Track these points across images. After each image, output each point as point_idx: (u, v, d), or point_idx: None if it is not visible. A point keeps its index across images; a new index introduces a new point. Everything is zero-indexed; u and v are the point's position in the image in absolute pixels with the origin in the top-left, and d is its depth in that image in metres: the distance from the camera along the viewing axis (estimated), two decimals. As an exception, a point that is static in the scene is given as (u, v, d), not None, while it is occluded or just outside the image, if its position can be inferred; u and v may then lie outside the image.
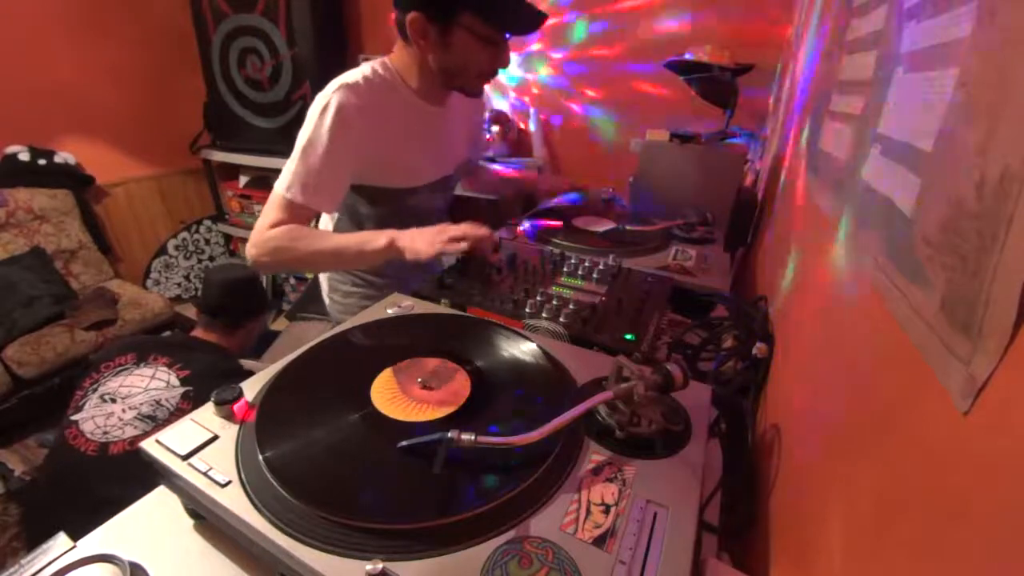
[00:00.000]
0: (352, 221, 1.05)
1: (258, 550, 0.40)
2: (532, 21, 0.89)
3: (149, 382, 1.04)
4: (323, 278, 1.22)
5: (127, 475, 0.89)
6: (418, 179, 1.04)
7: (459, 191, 1.31)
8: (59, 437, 0.99)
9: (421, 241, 0.84)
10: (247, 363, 1.43)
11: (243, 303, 1.34)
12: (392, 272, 1.12)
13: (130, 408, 0.99)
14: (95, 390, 1.03)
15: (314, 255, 0.88)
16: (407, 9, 0.86)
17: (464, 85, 0.96)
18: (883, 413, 0.34)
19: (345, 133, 0.87)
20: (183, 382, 1.05)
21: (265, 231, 0.87)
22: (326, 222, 1.10)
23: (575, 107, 2.28)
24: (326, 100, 0.87)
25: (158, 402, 1.01)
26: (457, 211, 1.26)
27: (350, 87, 0.88)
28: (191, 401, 1.02)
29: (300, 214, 0.89)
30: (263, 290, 1.43)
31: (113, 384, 1.03)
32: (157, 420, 0.98)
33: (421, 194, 1.05)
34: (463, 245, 0.83)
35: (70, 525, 0.45)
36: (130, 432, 0.96)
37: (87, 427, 0.97)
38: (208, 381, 1.07)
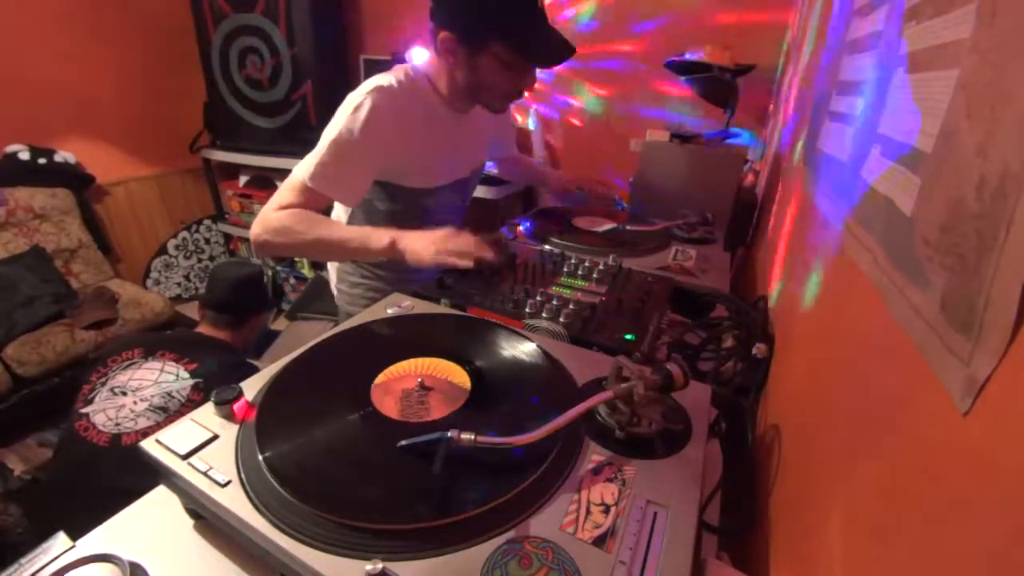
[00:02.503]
0: (367, 215, 1.06)
1: (258, 550, 0.40)
2: (559, 54, 0.92)
3: (159, 375, 1.04)
4: (331, 269, 1.23)
5: (140, 465, 0.89)
6: (436, 181, 1.06)
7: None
8: (68, 430, 1.00)
9: (423, 247, 0.84)
10: (246, 362, 1.43)
11: (249, 299, 1.36)
12: (399, 267, 1.13)
13: (141, 400, 1.00)
14: (104, 383, 1.03)
15: (317, 242, 0.89)
16: (440, 27, 0.90)
17: (488, 103, 0.99)
18: (883, 413, 0.34)
19: (376, 132, 0.89)
20: (192, 375, 1.06)
21: (273, 212, 0.89)
22: (339, 214, 1.11)
23: (575, 104, 2.28)
24: (360, 99, 0.88)
25: (169, 394, 1.01)
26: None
27: (384, 89, 0.90)
28: (202, 392, 1.03)
29: (314, 202, 0.91)
30: (267, 288, 1.45)
31: (122, 378, 1.04)
32: (169, 411, 0.99)
33: (437, 195, 1.07)
34: (466, 263, 0.82)
35: (80, 517, 0.45)
36: (143, 423, 0.97)
37: (99, 419, 0.98)
38: (217, 374, 1.08)
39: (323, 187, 0.89)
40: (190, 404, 1.01)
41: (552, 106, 2.33)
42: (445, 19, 0.89)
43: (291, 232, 0.88)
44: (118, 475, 0.90)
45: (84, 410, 1.00)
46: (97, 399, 1.01)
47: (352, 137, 0.88)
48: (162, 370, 1.05)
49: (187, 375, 1.05)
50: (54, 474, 1.07)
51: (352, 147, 0.88)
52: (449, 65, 0.94)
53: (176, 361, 1.08)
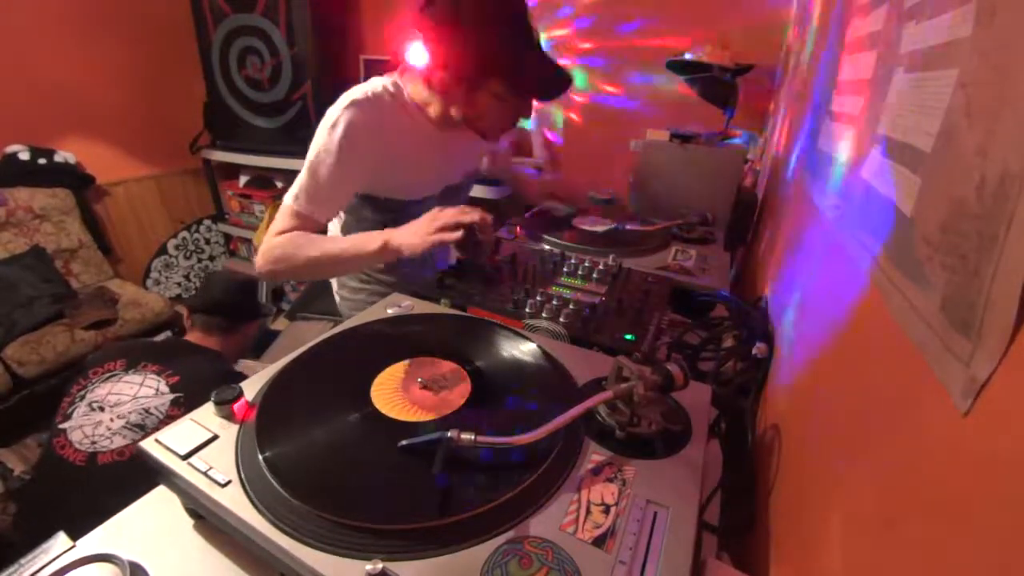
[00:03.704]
0: (358, 223, 1.06)
1: (258, 550, 0.40)
2: (556, 88, 0.91)
3: (138, 390, 1.02)
4: None
5: (115, 485, 0.88)
6: (424, 192, 1.05)
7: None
8: (47, 446, 0.97)
9: (415, 236, 0.85)
10: (246, 363, 1.42)
11: (243, 302, 1.33)
12: (400, 268, 1.13)
13: (118, 417, 0.98)
14: (83, 397, 1.01)
15: (314, 261, 0.89)
16: (435, 65, 0.88)
17: (484, 133, 0.98)
18: (883, 413, 0.34)
19: (352, 150, 0.88)
20: (172, 389, 1.03)
21: (272, 239, 0.89)
22: (334, 228, 1.11)
23: (575, 105, 2.28)
24: (336, 116, 0.88)
25: (147, 410, 0.99)
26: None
27: (360, 103, 0.89)
28: (181, 407, 1.00)
29: (307, 224, 0.91)
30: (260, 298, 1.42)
31: (101, 391, 1.01)
32: (146, 428, 0.97)
33: (428, 204, 1.06)
34: (458, 234, 0.82)
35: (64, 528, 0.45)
36: (119, 442, 0.95)
37: (75, 436, 0.95)
38: (200, 387, 1.04)
39: (306, 208, 0.89)
40: (168, 420, 0.97)
41: (552, 107, 2.33)
42: (441, 57, 0.87)
43: (289, 257, 0.88)
44: (94, 495, 0.89)
45: (62, 425, 0.98)
46: (75, 414, 0.99)
47: (329, 157, 0.87)
48: (142, 384, 1.03)
49: (167, 389, 1.03)
50: (35, 488, 1.05)
51: (330, 167, 0.87)
52: (444, 99, 0.93)
53: (158, 374, 1.05)
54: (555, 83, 0.91)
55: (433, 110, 0.96)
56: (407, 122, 0.96)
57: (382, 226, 1.03)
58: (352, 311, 1.18)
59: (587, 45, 2.14)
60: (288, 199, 0.90)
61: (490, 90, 0.88)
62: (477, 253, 0.91)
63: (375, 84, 0.94)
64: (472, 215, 0.84)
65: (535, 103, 1.00)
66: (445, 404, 0.53)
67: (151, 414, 0.99)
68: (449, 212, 0.85)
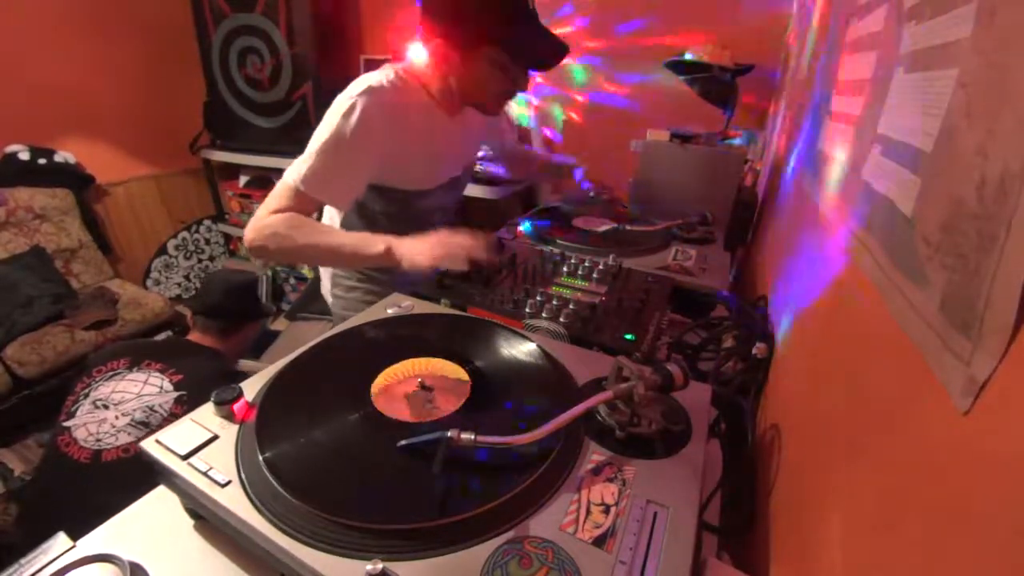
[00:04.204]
0: (361, 216, 1.05)
1: (258, 550, 0.40)
2: (554, 56, 0.91)
3: (142, 388, 1.02)
4: (325, 274, 1.21)
5: (120, 483, 0.88)
6: (431, 182, 1.05)
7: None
8: (51, 444, 0.98)
9: (419, 253, 0.83)
10: (246, 363, 1.42)
11: (242, 305, 1.33)
12: (396, 271, 1.13)
13: (123, 415, 0.98)
14: (87, 396, 1.01)
15: (310, 248, 0.88)
16: (431, 33, 0.89)
17: (483, 105, 0.98)
18: (883, 413, 0.34)
19: (368, 136, 0.88)
20: (176, 387, 1.04)
21: (265, 217, 0.88)
22: (332, 215, 1.10)
23: (575, 105, 2.28)
24: (351, 102, 0.87)
25: (151, 408, 0.99)
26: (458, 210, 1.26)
27: (375, 90, 0.89)
28: (184, 405, 1.01)
29: (305, 206, 0.90)
30: (261, 298, 1.42)
31: (105, 390, 1.02)
32: (151, 426, 0.97)
33: (433, 195, 1.06)
34: (462, 266, 0.82)
35: (64, 530, 0.45)
36: (123, 439, 0.95)
37: (79, 434, 0.96)
38: (202, 385, 1.05)
39: (316, 192, 0.88)
40: (172, 418, 0.98)
41: (552, 107, 2.33)
42: (436, 25, 0.88)
43: (284, 237, 0.86)
44: (98, 493, 0.89)
45: (66, 424, 0.98)
46: (79, 412, 0.99)
47: (344, 142, 0.86)
48: (146, 382, 1.03)
49: (171, 387, 1.03)
50: (37, 486, 1.05)
51: (344, 152, 0.87)
52: (442, 70, 0.93)
53: (162, 372, 1.06)
54: (551, 51, 0.91)
55: (435, 86, 0.97)
56: (418, 107, 0.97)
57: (386, 217, 1.04)
58: (345, 311, 1.16)
59: (588, 44, 2.14)
60: (291, 180, 0.88)
61: (486, 57, 0.88)
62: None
63: (387, 71, 0.95)
64: (480, 254, 0.83)
65: (534, 78, 1.00)
66: (445, 404, 0.53)
67: (155, 412, 1.00)
68: (462, 242, 0.84)
